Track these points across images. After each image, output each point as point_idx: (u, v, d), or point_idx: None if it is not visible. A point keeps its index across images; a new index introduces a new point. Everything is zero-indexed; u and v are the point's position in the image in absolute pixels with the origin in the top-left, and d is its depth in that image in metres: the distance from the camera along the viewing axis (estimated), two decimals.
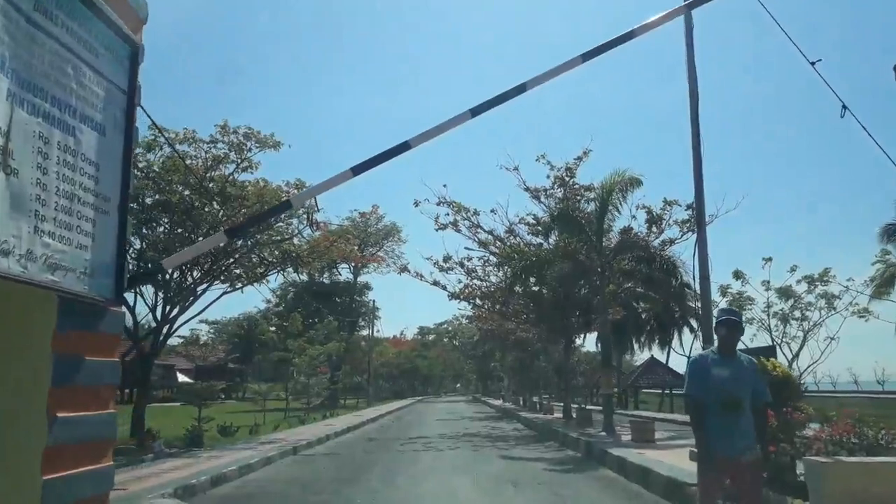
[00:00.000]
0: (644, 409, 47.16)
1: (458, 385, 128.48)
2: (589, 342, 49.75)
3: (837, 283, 27.77)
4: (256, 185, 20.20)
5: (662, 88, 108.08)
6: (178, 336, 34.94)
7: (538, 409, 34.41)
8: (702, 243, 11.88)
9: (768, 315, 29.20)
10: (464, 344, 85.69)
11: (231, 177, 20.07)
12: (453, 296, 29.07)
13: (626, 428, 19.57)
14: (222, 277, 22.08)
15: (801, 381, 30.84)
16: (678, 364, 59.22)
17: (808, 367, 29.39)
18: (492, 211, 24.47)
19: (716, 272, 28.06)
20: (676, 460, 11.48)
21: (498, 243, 25.66)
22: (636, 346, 58.75)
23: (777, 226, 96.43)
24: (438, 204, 24.51)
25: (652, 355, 55.90)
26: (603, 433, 17.74)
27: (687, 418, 24.25)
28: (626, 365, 64.15)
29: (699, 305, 12.58)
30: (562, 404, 30.76)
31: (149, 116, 14.15)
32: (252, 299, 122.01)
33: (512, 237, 24.81)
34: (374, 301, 65.35)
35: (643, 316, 50.11)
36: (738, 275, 26.88)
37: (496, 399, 66.76)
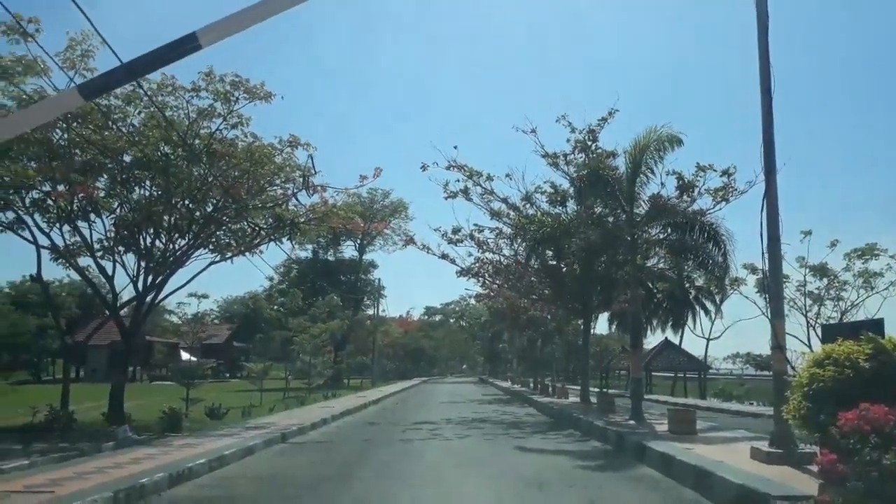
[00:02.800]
0: (658, 394, 45.35)
1: (465, 366, 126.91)
2: (601, 323, 47.70)
3: (887, 256, 25.60)
4: (245, 142, 18.15)
5: (700, 46, 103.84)
6: (174, 313, 32.87)
7: (551, 393, 32.39)
8: (771, 197, 9.72)
9: (803, 295, 27.06)
10: (471, 324, 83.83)
11: (218, 132, 17.99)
12: (462, 272, 27.05)
13: (653, 415, 17.57)
14: (211, 246, 20.12)
15: None
16: (693, 346, 57.31)
17: None
18: (507, 176, 22.27)
19: (749, 247, 25.83)
20: (737, 459, 9.42)
21: (512, 213, 23.51)
22: (648, 329, 56.56)
23: (818, 199, 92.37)
24: (448, 168, 22.35)
25: (666, 337, 54.15)
26: (632, 421, 15.70)
27: (714, 403, 21.99)
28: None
29: (761, 273, 10.39)
30: (576, 387, 28.81)
31: (120, 61, 12.13)
32: (258, 278, 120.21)
33: (529, 206, 22.66)
34: (379, 279, 63.43)
35: (658, 296, 47.88)
36: (721, 266, 24.74)
37: (504, 381, 64.87)
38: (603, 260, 19.19)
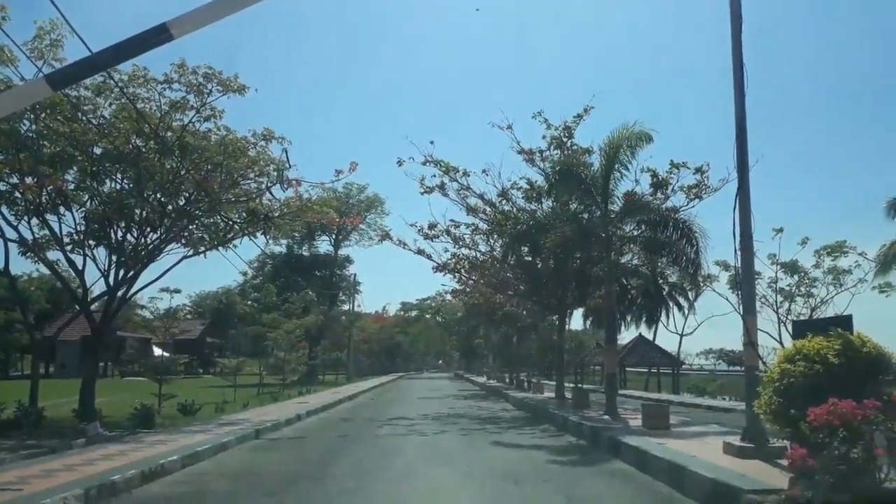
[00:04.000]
0: (632, 389, 45.75)
1: (441, 362, 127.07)
2: (575, 319, 48.03)
3: (856, 253, 26.06)
4: (219, 135, 17.94)
5: (677, 42, 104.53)
6: (146, 308, 32.41)
7: (527, 388, 32.56)
8: (744, 194, 9.84)
9: (775, 291, 27.43)
10: (447, 320, 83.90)
11: (190, 125, 17.76)
12: (439, 267, 27.01)
13: (628, 410, 17.74)
14: (183, 241, 19.87)
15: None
16: (667, 342, 57.86)
17: None
18: (483, 171, 22.27)
19: (722, 244, 26.19)
20: (709, 454, 9.52)
21: (489, 209, 23.53)
22: (623, 325, 56.96)
23: (790, 195, 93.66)
24: (424, 163, 22.29)
25: (640, 333, 54.63)
26: (606, 417, 15.83)
27: (687, 399, 22.24)
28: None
29: (733, 271, 10.53)
30: (552, 383, 28.98)
31: (90, 51, 11.90)
32: (231, 273, 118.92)
33: (505, 202, 22.68)
34: (354, 275, 63.18)
35: (632, 292, 48.27)
36: (693, 263, 25.20)
37: (480, 376, 65.07)
38: (578, 256, 19.28)
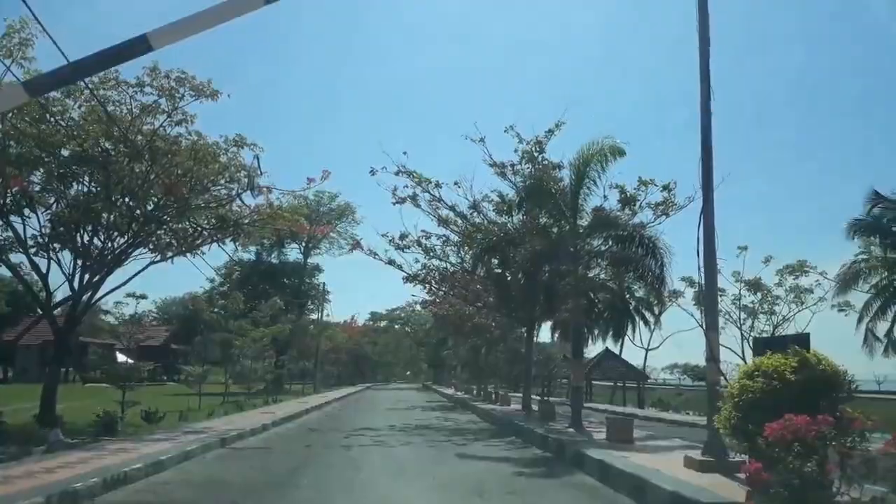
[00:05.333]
0: (598, 402, 46.14)
1: (409, 373, 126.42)
2: (543, 332, 48.41)
3: (816, 273, 26.70)
4: (189, 139, 17.84)
5: (651, 60, 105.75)
6: (110, 313, 31.89)
7: (494, 400, 32.65)
8: (708, 211, 10.09)
9: (738, 308, 27.96)
10: (416, 331, 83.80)
11: (161, 129, 17.65)
12: (409, 278, 27.10)
13: (593, 424, 17.94)
14: (151, 246, 19.65)
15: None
16: (633, 356, 58.58)
17: None
18: (455, 184, 22.44)
19: (687, 260, 26.73)
20: (671, 467, 9.71)
21: (460, 221, 23.69)
22: (590, 339, 57.30)
23: (755, 212, 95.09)
24: (397, 174, 22.41)
25: (606, 347, 55.04)
26: (571, 429, 16.00)
27: (651, 413, 22.49)
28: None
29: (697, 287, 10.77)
30: (519, 395, 29.10)
31: (63, 54, 11.80)
32: (198, 279, 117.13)
33: (476, 214, 22.86)
34: (324, 283, 62.78)
35: (599, 307, 48.64)
36: (658, 278, 25.85)
37: (447, 388, 65.06)
38: (546, 269, 19.48)
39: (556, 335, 56.77)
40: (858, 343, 25.99)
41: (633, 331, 58.85)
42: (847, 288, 26.92)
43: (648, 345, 43.98)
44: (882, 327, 25.41)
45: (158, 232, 18.97)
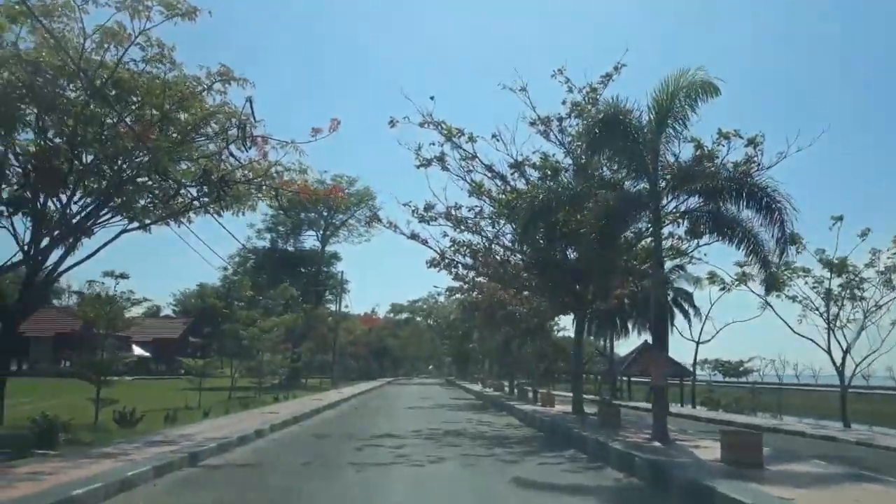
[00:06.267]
0: (639, 401, 42.22)
1: (431, 367, 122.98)
2: (565, 322, 44.48)
3: None
4: (161, 69, 14.24)
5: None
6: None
7: (532, 399, 28.69)
8: None
9: (827, 294, 23.59)
10: (439, 323, 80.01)
11: (129, 60, 14.09)
12: (433, 263, 23.32)
13: (676, 433, 14.02)
14: (124, 211, 16.12)
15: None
16: (678, 351, 54.22)
17: (864, 358, 23.94)
18: (493, 137, 18.54)
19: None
20: None
21: (498, 184, 19.80)
22: (623, 333, 53.26)
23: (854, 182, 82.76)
24: (422, 125, 18.54)
25: (646, 340, 51.22)
26: (656, 443, 12.07)
27: (707, 413, 18.23)
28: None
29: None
30: (562, 394, 25.19)
31: None
32: (213, 272, 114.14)
33: (518, 177, 18.97)
34: (342, 272, 59.18)
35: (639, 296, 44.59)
36: (793, 239, 21.18)
37: (474, 384, 61.13)
38: (621, 237, 15.38)
39: (593, 326, 53.29)
40: None
41: (671, 324, 55.03)
42: None
43: (699, 337, 39.57)
44: None
45: (129, 187, 15.37)
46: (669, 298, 53.51)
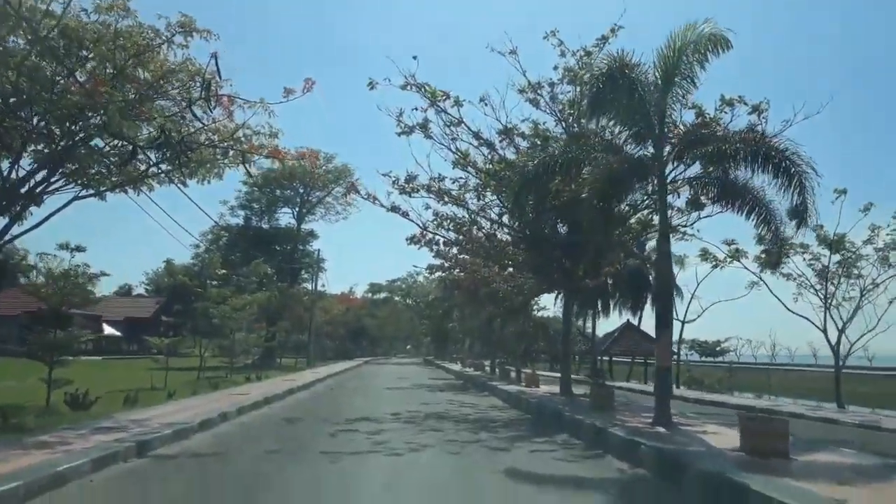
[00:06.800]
0: (619, 380, 41.57)
1: (409, 347, 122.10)
2: (545, 300, 43.53)
3: None
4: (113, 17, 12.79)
5: None
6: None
7: (515, 379, 27.70)
8: None
9: (823, 272, 22.68)
10: (417, 303, 78.97)
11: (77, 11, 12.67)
12: (413, 239, 22.11)
13: (677, 416, 13.01)
14: (75, 176, 14.71)
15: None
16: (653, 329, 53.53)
17: (858, 338, 23.19)
18: (481, 101, 17.27)
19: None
20: None
21: (485, 153, 18.57)
22: (604, 313, 52.41)
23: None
24: (405, 87, 17.17)
25: (628, 320, 50.58)
26: (660, 428, 11.03)
27: (695, 394, 17.09)
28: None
29: None
30: (547, 374, 24.18)
31: None
32: (185, 250, 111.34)
33: (508, 143, 17.75)
34: (318, 251, 57.64)
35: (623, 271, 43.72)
36: (794, 212, 20.20)
37: (452, 363, 60.18)
38: (621, 205, 14.15)
39: (574, 306, 52.38)
40: None
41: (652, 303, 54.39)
42: None
43: (685, 317, 38.82)
44: None
45: (80, 150, 13.92)
46: (651, 278, 53.08)
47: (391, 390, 25.71)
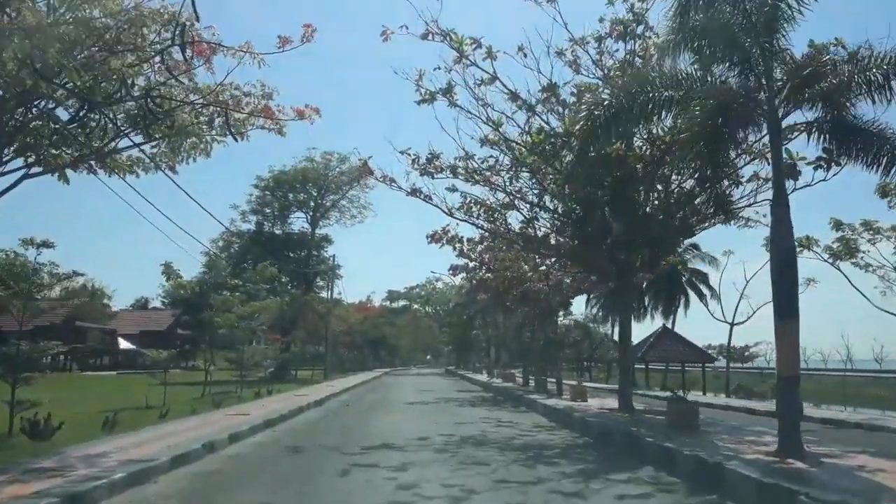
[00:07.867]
0: (656, 388, 38.36)
1: (429, 357, 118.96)
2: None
3: None
4: None
5: None
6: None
7: (557, 392, 24.48)
8: None
9: None
10: (437, 311, 75.98)
11: None
12: (434, 238, 19.43)
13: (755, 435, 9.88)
14: (29, 152, 12.03)
15: None
16: (694, 334, 50.19)
17: None
18: (519, 50, 14.30)
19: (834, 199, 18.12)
20: None
21: (520, 123, 15.61)
22: (636, 316, 49.19)
23: None
24: (425, 36, 14.25)
25: (664, 324, 47.67)
26: (793, 461, 7.92)
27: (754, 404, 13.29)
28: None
29: None
30: (592, 385, 21.02)
31: None
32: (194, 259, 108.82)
33: (555, 103, 14.80)
34: (334, 256, 54.95)
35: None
36: (885, 190, 17.04)
37: (477, 373, 56.93)
38: (732, 152, 10.92)
39: (594, 308, 49.22)
40: None
41: (686, 307, 51.19)
42: None
43: (734, 319, 35.64)
44: None
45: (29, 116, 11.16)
46: (684, 279, 49.78)
47: (414, 405, 22.70)
